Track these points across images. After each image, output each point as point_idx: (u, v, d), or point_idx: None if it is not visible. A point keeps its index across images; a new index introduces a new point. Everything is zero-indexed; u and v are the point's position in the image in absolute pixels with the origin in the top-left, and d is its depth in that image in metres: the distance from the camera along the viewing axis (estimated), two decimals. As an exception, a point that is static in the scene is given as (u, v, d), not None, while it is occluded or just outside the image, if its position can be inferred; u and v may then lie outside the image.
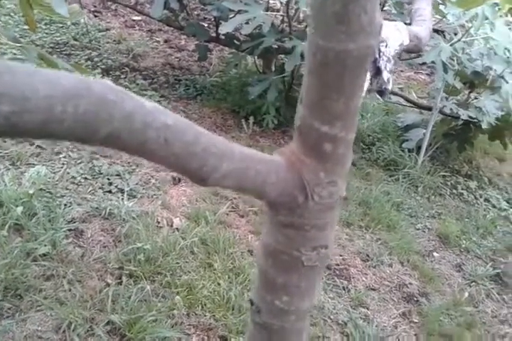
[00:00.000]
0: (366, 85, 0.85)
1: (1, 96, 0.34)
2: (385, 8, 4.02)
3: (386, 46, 0.84)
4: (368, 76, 0.84)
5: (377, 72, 0.85)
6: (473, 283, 2.67)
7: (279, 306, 0.67)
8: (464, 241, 2.95)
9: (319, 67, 0.52)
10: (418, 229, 3.00)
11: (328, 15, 0.47)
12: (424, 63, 4.15)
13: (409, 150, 3.48)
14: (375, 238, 2.78)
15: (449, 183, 3.44)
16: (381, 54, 0.84)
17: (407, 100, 3.89)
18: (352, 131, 0.57)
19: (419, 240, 2.90)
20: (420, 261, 2.71)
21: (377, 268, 2.58)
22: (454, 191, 3.41)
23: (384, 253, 2.66)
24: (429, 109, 3.56)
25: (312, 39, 0.51)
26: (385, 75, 0.85)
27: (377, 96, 0.96)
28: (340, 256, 2.57)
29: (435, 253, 2.86)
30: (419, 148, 3.46)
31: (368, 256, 2.63)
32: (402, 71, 4.78)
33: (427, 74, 4.71)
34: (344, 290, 2.36)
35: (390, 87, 0.90)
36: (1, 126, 0.35)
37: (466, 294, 2.57)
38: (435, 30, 3.60)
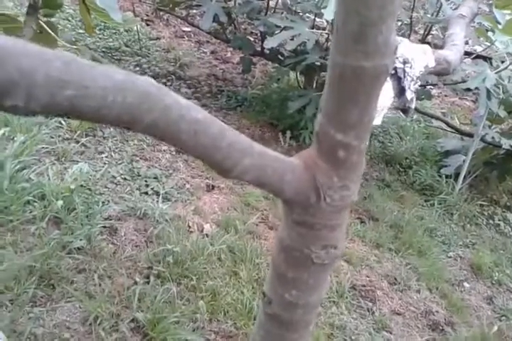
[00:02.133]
0: (390, 103, 0.88)
1: (67, 83, 0.41)
2: (432, 32, 4.01)
3: (411, 67, 0.88)
4: (392, 94, 0.88)
5: (402, 91, 0.89)
6: (504, 318, 2.57)
7: (289, 299, 0.71)
8: (497, 274, 2.85)
9: (337, 81, 0.57)
10: (450, 257, 2.92)
11: (348, 34, 0.52)
12: (469, 89, 4.09)
13: (447, 177, 3.42)
14: (404, 262, 2.73)
15: (485, 213, 3.35)
16: (406, 74, 0.88)
17: (449, 125, 3.83)
18: (364, 140, 0.61)
19: (450, 268, 2.82)
20: (449, 290, 2.64)
21: (404, 292, 2.52)
22: (491, 221, 3.31)
23: (412, 279, 2.61)
24: (471, 135, 3.49)
25: (333, 55, 0.55)
26: (409, 95, 0.89)
27: (401, 113, 1.01)
28: (367, 277, 2.54)
29: (466, 284, 2.78)
30: (457, 174, 3.40)
31: (395, 279, 2.58)
32: (446, 96, 4.73)
33: (472, 100, 4.63)
34: (368, 311, 2.32)
35: (413, 105, 0.94)
36: (65, 107, 0.42)
37: (496, 328, 2.47)
38: (482, 57, 3.56)
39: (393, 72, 0.86)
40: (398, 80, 0.87)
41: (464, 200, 3.33)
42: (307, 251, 0.66)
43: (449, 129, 3.88)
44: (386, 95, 0.85)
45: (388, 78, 0.86)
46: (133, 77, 0.47)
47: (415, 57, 0.89)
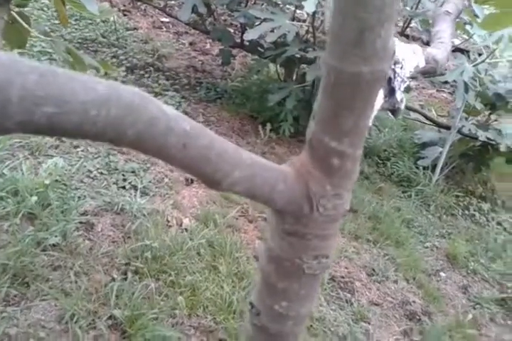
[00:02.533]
0: (379, 103, 0.88)
1: (45, 98, 0.37)
2: (411, 25, 4.03)
3: (401, 68, 0.88)
4: (382, 95, 0.88)
5: (391, 91, 0.88)
6: (478, 306, 2.64)
7: (278, 311, 0.69)
8: (472, 263, 2.92)
9: (333, 87, 0.55)
10: (426, 248, 2.98)
11: (345, 39, 0.50)
12: (446, 82, 4.14)
13: (424, 168, 3.47)
14: (382, 253, 2.77)
15: (461, 204, 3.42)
16: (396, 75, 0.87)
17: (427, 117, 3.87)
18: (359, 148, 0.59)
19: (427, 259, 2.87)
20: (426, 280, 2.69)
21: (382, 283, 2.56)
22: (466, 212, 3.38)
23: (390, 269, 2.65)
24: (448, 128, 3.54)
25: (328, 60, 0.54)
26: (399, 95, 0.89)
27: (390, 114, 1.00)
28: (346, 268, 2.57)
29: (442, 273, 2.84)
30: (434, 166, 3.45)
31: (373, 270, 2.62)
32: (423, 88, 4.77)
33: (450, 93, 4.69)
34: (347, 303, 2.35)
35: (402, 106, 0.94)
36: (43, 125, 0.39)
37: (470, 316, 2.54)
38: (460, 50, 3.61)
39: None
40: (388, 81, 0.85)
41: (440, 191, 3.38)
42: (298, 261, 0.64)
43: (426, 121, 3.93)
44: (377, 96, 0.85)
45: None
46: (116, 87, 0.44)
47: (406, 58, 0.88)
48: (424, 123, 3.98)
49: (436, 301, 2.56)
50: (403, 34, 3.94)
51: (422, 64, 0.99)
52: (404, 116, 4.13)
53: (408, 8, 3.57)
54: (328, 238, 0.65)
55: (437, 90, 4.76)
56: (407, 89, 3.57)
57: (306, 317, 0.73)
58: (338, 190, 0.60)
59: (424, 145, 3.63)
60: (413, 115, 4.06)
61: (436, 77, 3.71)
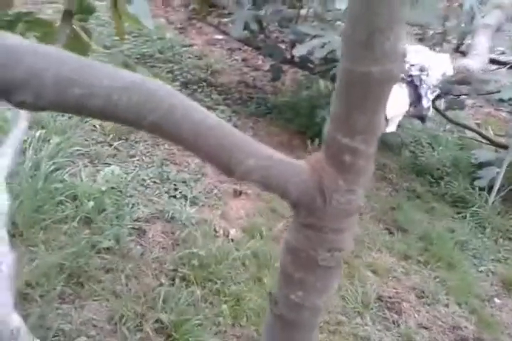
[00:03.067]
0: (405, 110, 0.88)
1: (75, 82, 0.43)
2: (465, 42, 3.94)
3: (427, 75, 0.88)
4: (408, 101, 0.88)
5: (418, 99, 0.90)
6: (537, 337, 2.47)
7: (294, 300, 0.71)
8: (531, 291, 2.75)
9: (346, 87, 0.58)
10: (481, 272, 2.83)
11: (356, 41, 0.53)
12: (503, 100, 3.99)
13: (480, 189, 3.33)
14: (433, 275, 2.66)
15: (519, 227, 3.24)
16: (422, 82, 0.88)
17: (483, 136, 3.74)
18: (372, 145, 0.61)
19: (481, 283, 2.73)
20: (479, 305, 2.56)
21: (432, 306, 2.46)
22: (525, 236, 3.20)
23: (441, 292, 2.54)
24: (506, 147, 3.40)
25: (342, 61, 0.57)
26: (425, 102, 0.90)
27: (418, 120, 1.02)
28: (394, 289, 2.48)
29: (496, 300, 2.69)
30: (491, 187, 3.30)
31: (423, 292, 2.52)
32: (480, 106, 4.62)
33: (508, 112, 4.51)
34: (394, 324, 2.27)
35: (429, 113, 0.95)
36: (72, 105, 0.44)
37: (528, 347, 2.38)
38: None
39: (409, 79, 0.87)
40: (415, 88, 0.87)
41: (497, 214, 3.23)
42: (313, 253, 0.67)
43: (483, 140, 3.78)
44: (401, 102, 0.86)
45: (404, 85, 0.86)
46: (142, 78, 0.49)
47: (432, 65, 0.89)
48: (480, 142, 3.84)
49: (489, 328, 2.42)
50: (457, 51, 3.86)
51: (450, 72, 0.99)
52: (460, 135, 4.01)
53: (463, 25, 3.50)
54: (342, 232, 0.67)
55: (495, 109, 4.59)
56: (461, 107, 3.48)
57: (322, 309, 0.75)
58: (351, 185, 0.63)
59: (481, 165, 3.49)
60: (469, 134, 3.93)
61: (493, 95, 3.59)
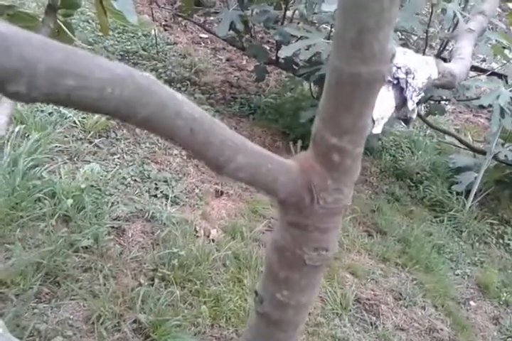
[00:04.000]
0: (391, 112, 0.89)
1: (68, 73, 0.42)
2: (448, 48, 4.01)
3: (413, 78, 0.89)
4: (394, 104, 0.89)
5: (404, 101, 0.91)
6: (510, 339, 2.53)
7: (280, 299, 0.72)
8: (505, 294, 2.81)
9: (334, 86, 0.58)
10: (457, 275, 2.89)
11: (346, 40, 0.53)
12: (483, 107, 4.08)
13: (458, 193, 3.39)
14: (410, 277, 2.70)
15: (495, 232, 3.31)
16: (408, 85, 0.89)
17: (462, 142, 3.81)
18: (359, 145, 0.62)
19: (457, 286, 2.78)
20: (455, 308, 2.60)
21: (409, 308, 2.49)
22: (501, 241, 3.27)
23: (418, 295, 2.58)
24: (484, 153, 3.47)
25: (331, 60, 0.57)
26: (410, 105, 0.91)
27: (402, 123, 1.02)
28: (372, 291, 2.51)
29: (472, 302, 2.74)
30: (468, 192, 3.36)
31: (400, 294, 2.55)
32: (460, 112, 4.71)
33: (487, 118, 4.60)
34: (372, 325, 2.29)
35: (414, 116, 0.96)
36: (65, 97, 0.43)
37: (501, 349, 2.43)
38: (497, 74, 3.56)
39: (396, 82, 0.87)
40: (400, 90, 0.88)
41: (474, 218, 3.29)
42: (299, 252, 0.67)
43: (461, 146, 3.85)
44: (387, 104, 0.86)
45: (390, 88, 0.87)
46: (133, 72, 0.48)
47: (418, 68, 0.90)
48: (459, 147, 3.91)
49: (464, 330, 2.47)
50: (439, 56, 3.92)
51: (435, 75, 1.00)
52: (439, 140, 4.08)
53: (446, 31, 3.56)
54: (328, 231, 0.67)
55: (474, 115, 4.68)
56: (442, 112, 3.53)
57: (306, 307, 0.75)
58: (338, 184, 0.63)
59: (459, 170, 3.56)
60: (448, 139, 4.00)
61: (472, 101, 3.66)
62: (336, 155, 0.61)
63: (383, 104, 0.84)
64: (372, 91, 0.57)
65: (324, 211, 0.64)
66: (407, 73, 0.87)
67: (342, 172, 0.62)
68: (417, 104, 0.92)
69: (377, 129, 0.82)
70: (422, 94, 0.91)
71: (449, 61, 1.23)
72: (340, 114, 0.58)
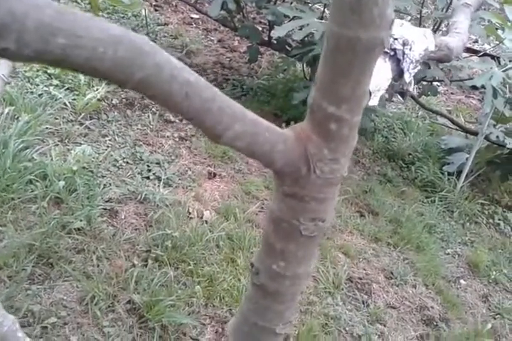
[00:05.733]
0: (387, 84, 0.88)
1: (60, 30, 0.42)
2: (441, 28, 3.98)
3: (410, 49, 0.88)
4: (390, 76, 0.88)
5: (400, 73, 0.89)
6: (498, 316, 2.58)
7: (276, 270, 0.72)
8: (494, 273, 2.85)
9: (332, 52, 0.57)
10: (448, 254, 2.92)
11: (345, 4, 0.53)
12: (476, 88, 4.07)
13: (449, 174, 3.41)
14: (402, 257, 2.73)
15: (486, 212, 3.35)
16: (405, 56, 0.87)
17: (454, 123, 3.81)
18: (357, 114, 0.61)
19: (448, 265, 2.82)
20: (445, 287, 2.64)
21: (400, 287, 2.53)
22: (491, 220, 3.31)
23: (409, 274, 2.61)
24: (475, 134, 3.48)
25: (329, 26, 0.56)
26: (407, 77, 0.89)
27: (399, 97, 1.01)
28: (364, 270, 2.54)
29: (462, 281, 2.78)
30: (459, 172, 3.39)
31: (392, 273, 2.58)
32: (452, 94, 4.70)
33: (479, 99, 4.61)
34: (363, 304, 2.33)
35: (411, 88, 0.95)
36: (57, 55, 0.43)
37: (489, 326, 2.48)
38: (490, 56, 3.54)
39: (392, 53, 0.86)
40: (397, 62, 0.87)
41: (464, 198, 3.32)
42: (296, 222, 0.67)
43: (453, 127, 3.86)
44: (384, 76, 0.85)
45: (387, 59, 0.86)
46: (128, 33, 0.48)
47: (415, 40, 0.89)
48: (451, 128, 3.92)
49: (455, 308, 2.52)
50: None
51: (432, 47, 0.99)
52: (431, 121, 4.08)
53: (439, 11, 3.53)
54: (325, 201, 0.67)
55: (466, 96, 4.68)
56: (435, 93, 3.53)
57: (303, 278, 0.75)
58: (335, 154, 0.62)
59: (451, 151, 3.57)
60: (441, 120, 4.00)
61: (465, 82, 3.65)
62: (333, 124, 0.60)
63: (380, 75, 0.83)
64: (371, 58, 0.56)
65: (321, 181, 0.63)
66: (404, 44, 0.86)
67: (339, 142, 0.62)
68: (414, 76, 0.91)
69: (373, 101, 0.82)
70: (419, 67, 0.89)
71: (446, 35, 1.22)
72: (338, 81, 0.57)
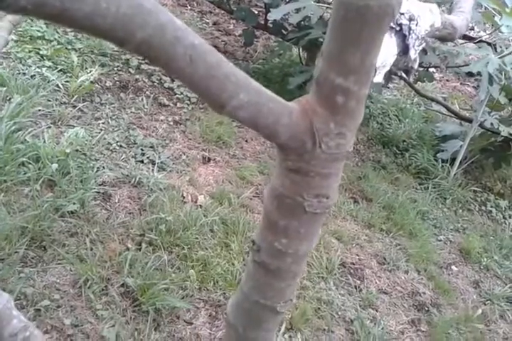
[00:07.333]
0: (392, 59, 0.86)
1: None
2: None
3: (417, 25, 0.86)
4: (396, 52, 0.86)
5: (406, 49, 0.87)
6: (489, 302, 2.61)
7: (278, 247, 0.70)
8: (485, 259, 2.88)
9: (341, 22, 0.55)
10: (440, 241, 2.95)
11: None
12: (471, 74, 4.06)
13: (443, 161, 3.42)
14: (394, 243, 2.75)
15: (479, 199, 3.37)
16: (411, 31, 0.86)
17: (449, 110, 3.81)
18: (365, 86, 0.59)
19: (440, 252, 2.85)
20: (437, 273, 2.67)
21: (393, 272, 2.55)
22: (483, 208, 3.33)
23: (401, 259, 2.63)
24: (470, 121, 3.48)
25: None
26: (412, 54, 0.87)
27: (403, 74, 0.99)
28: (357, 255, 2.56)
29: (454, 267, 2.81)
30: (453, 159, 3.40)
31: (384, 259, 2.60)
32: (448, 80, 4.69)
33: (474, 87, 4.60)
34: (356, 289, 2.34)
35: (416, 66, 0.93)
36: (56, 8, 0.41)
37: (480, 311, 2.51)
38: (486, 42, 3.52)
39: (398, 28, 0.84)
40: (403, 38, 0.85)
41: (458, 185, 3.34)
42: (300, 199, 0.65)
43: (448, 114, 3.86)
44: (389, 51, 0.83)
45: (392, 34, 0.84)
46: None
47: (421, 15, 0.87)
48: (445, 115, 3.92)
49: (446, 294, 2.54)
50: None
51: (438, 24, 0.97)
52: (426, 108, 4.07)
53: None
54: (330, 177, 0.65)
55: (461, 83, 4.67)
56: (431, 79, 3.51)
57: (305, 256, 0.74)
58: (341, 128, 0.60)
59: (445, 138, 3.58)
60: (435, 107, 4.00)
61: (461, 68, 3.64)
62: (340, 96, 0.57)
63: (385, 50, 0.81)
64: (380, 27, 0.54)
65: (326, 156, 0.61)
66: (410, 19, 0.84)
67: (345, 116, 0.59)
68: (418, 53, 0.89)
69: (378, 78, 0.80)
70: (424, 44, 0.87)
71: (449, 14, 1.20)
72: (347, 51, 0.55)
